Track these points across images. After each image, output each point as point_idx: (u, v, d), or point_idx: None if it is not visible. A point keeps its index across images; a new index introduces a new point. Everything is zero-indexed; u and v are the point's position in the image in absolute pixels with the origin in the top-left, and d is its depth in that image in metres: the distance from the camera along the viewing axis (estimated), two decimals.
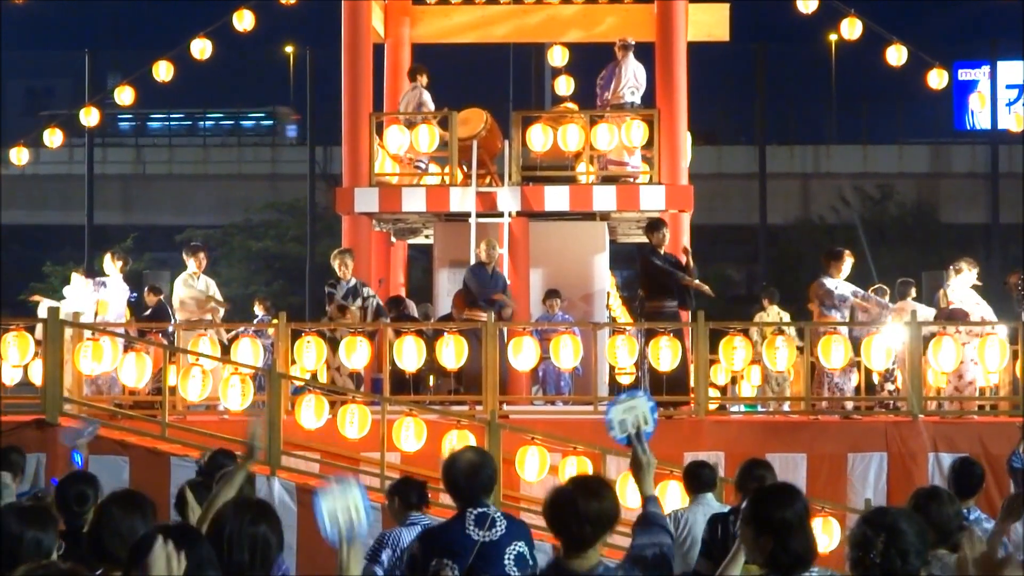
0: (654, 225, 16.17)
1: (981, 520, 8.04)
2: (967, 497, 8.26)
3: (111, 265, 16.87)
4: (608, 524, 5.23)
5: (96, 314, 16.70)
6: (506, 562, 6.29)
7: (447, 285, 18.01)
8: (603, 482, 5.49)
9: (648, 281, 16.23)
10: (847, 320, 15.65)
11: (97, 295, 16.65)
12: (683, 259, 16.00)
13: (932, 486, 7.32)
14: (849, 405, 15.85)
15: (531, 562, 6.35)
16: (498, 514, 6.40)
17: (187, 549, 4.40)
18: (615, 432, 5.92)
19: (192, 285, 17.00)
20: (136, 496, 5.88)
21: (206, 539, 4.57)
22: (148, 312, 19.12)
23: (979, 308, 16.36)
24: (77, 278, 17.17)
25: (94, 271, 18.16)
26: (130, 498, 5.81)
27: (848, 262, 15.84)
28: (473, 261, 16.70)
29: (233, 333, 16.92)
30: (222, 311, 17.14)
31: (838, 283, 15.67)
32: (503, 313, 15.94)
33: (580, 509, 5.15)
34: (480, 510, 6.39)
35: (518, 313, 16.97)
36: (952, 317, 16.21)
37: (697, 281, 15.87)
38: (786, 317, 19.59)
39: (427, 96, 18.48)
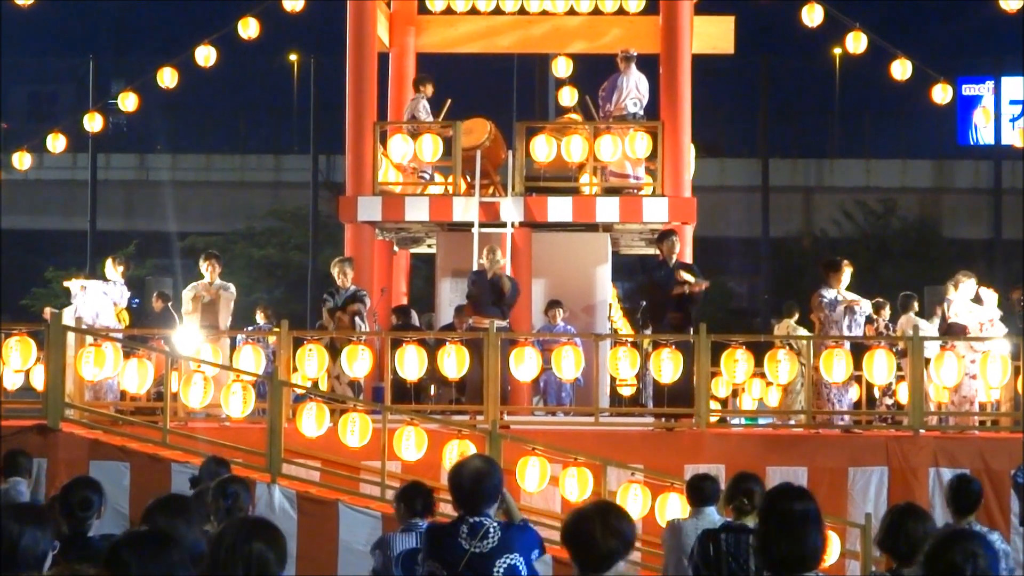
0: (663, 236, 16.23)
1: (984, 535, 8.03)
2: (966, 513, 8.27)
3: (112, 270, 16.89)
4: (630, 543, 5.24)
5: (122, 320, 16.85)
6: (495, 574, 6.27)
7: (449, 295, 18.03)
8: (620, 507, 5.51)
9: (651, 295, 16.33)
10: (848, 329, 15.66)
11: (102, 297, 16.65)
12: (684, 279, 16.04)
13: (907, 502, 7.34)
14: (847, 419, 15.86)
15: (524, 571, 6.33)
16: (494, 525, 6.37)
17: (157, 555, 4.40)
18: None
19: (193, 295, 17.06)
20: (180, 500, 5.93)
21: (176, 544, 4.54)
22: (148, 317, 19.19)
23: (973, 317, 16.36)
24: (75, 284, 17.17)
25: (97, 277, 18.13)
26: (174, 503, 5.85)
27: (847, 272, 15.84)
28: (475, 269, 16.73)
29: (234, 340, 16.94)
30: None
31: (835, 293, 15.70)
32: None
33: (609, 522, 5.16)
34: (477, 520, 6.36)
35: (520, 323, 16.98)
36: (951, 332, 16.22)
37: (698, 284, 15.93)
38: (801, 331, 19.53)
39: (423, 106, 18.44)
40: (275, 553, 4.70)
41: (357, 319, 16.16)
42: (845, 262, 16.05)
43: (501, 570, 6.27)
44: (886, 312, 18.13)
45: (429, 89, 18.67)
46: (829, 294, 15.65)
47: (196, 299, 16.91)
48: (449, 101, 18.88)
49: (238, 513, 7.62)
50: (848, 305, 15.60)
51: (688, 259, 17.46)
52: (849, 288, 15.97)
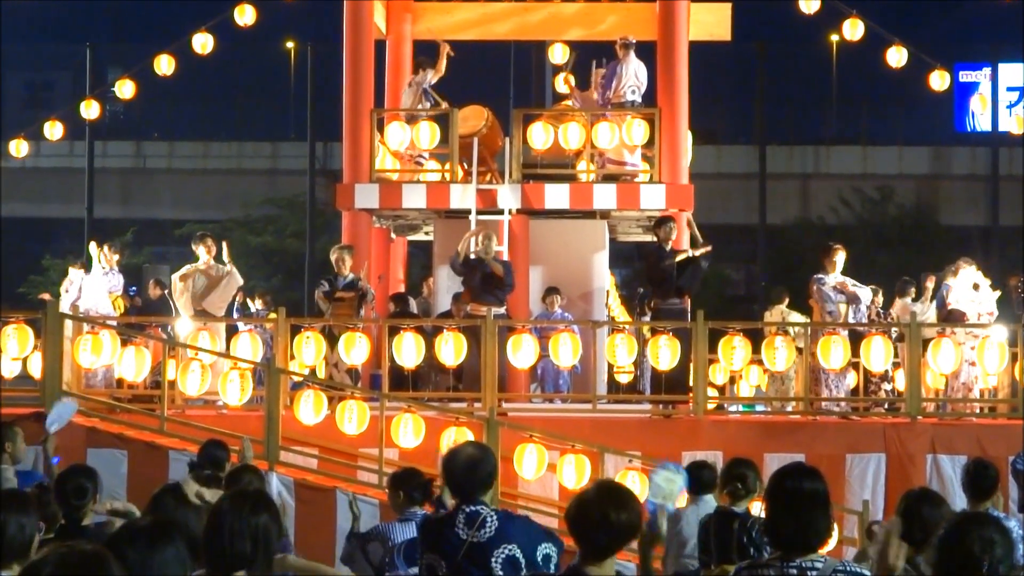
0: (661, 221, 16.24)
1: (1000, 520, 8.02)
2: (983, 498, 8.24)
3: (108, 257, 16.90)
4: (630, 535, 5.13)
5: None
6: (494, 565, 6.17)
7: (447, 282, 18.00)
8: (628, 492, 5.31)
9: (653, 279, 16.33)
10: (843, 312, 15.69)
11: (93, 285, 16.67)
12: (689, 239, 16.12)
13: (921, 488, 7.30)
14: (843, 406, 15.89)
15: (523, 563, 6.22)
16: (491, 514, 6.26)
17: (160, 546, 4.39)
18: (651, 495, 6.22)
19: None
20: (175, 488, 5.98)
21: (178, 537, 4.54)
22: (141, 305, 19.21)
23: (974, 306, 16.40)
24: (75, 272, 17.19)
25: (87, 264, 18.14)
26: (182, 491, 5.88)
27: (840, 256, 15.93)
28: (472, 257, 16.71)
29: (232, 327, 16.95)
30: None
31: (833, 278, 15.76)
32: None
33: (609, 518, 5.03)
34: (473, 508, 6.28)
35: (517, 310, 16.98)
36: (950, 319, 16.24)
37: (700, 252, 15.99)
38: (793, 316, 19.55)
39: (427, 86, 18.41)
40: (276, 525, 4.79)
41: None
42: (838, 246, 16.15)
43: (500, 560, 6.17)
44: (879, 299, 18.15)
45: (429, 75, 18.65)
46: (828, 279, 15.71)
47: (185, 278, 16.89)
48: (446, 47, 18.68)
49: None
50: (852, 296, 15.70)
51: (685, 246, 17.47)
52: (846, 273, 16.01)
